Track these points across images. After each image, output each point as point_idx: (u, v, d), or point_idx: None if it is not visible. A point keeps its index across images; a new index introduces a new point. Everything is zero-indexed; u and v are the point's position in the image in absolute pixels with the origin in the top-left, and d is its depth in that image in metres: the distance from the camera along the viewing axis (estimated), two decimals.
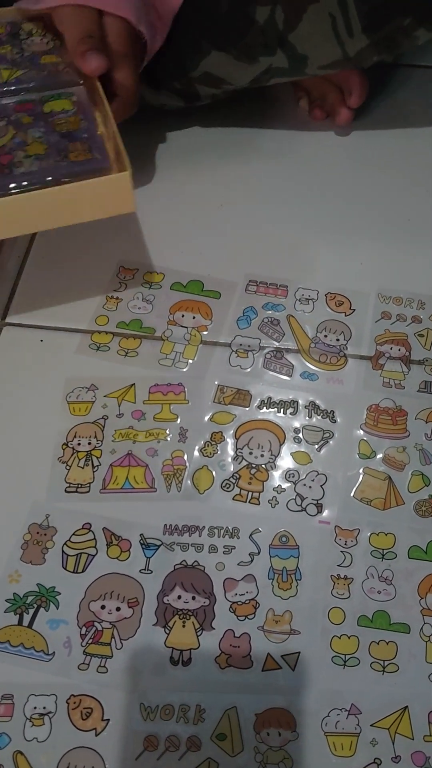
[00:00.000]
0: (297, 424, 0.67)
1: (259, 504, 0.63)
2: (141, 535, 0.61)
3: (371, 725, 0.53)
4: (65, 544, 0.60)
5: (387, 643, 0.56)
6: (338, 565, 0.60)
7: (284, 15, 0.73)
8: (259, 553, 0.60)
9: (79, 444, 0.65)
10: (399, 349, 0.72)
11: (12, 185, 0.61)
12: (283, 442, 0.66)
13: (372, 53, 0.75)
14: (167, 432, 0.66)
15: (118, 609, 0.57)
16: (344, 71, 0.84)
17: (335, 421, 0.67)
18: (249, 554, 0.60)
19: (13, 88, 0.70)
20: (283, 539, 0.61)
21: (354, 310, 0.75)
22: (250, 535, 0.61)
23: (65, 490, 0.63)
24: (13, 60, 0.72)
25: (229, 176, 0.86)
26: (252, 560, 0.60)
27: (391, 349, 0.72)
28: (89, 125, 0.67)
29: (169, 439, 0.66)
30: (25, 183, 0.61)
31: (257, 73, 0.80)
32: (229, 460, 0.65)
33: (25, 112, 0.68)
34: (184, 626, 0.57)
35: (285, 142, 0.90)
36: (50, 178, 0.62)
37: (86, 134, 0.66)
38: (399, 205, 0.84)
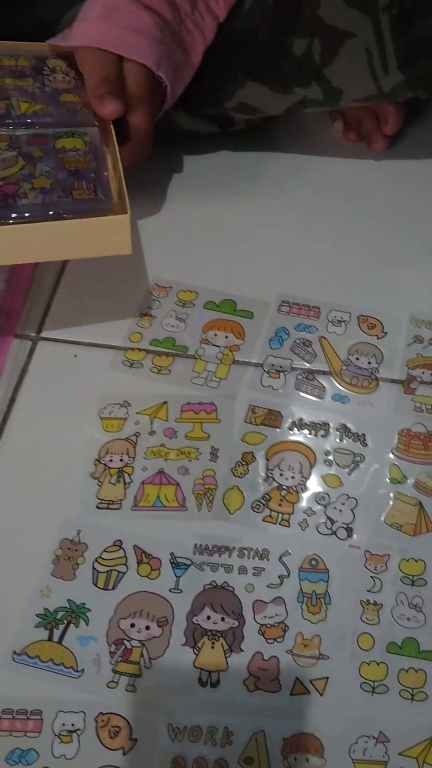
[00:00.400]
0: (328, 447, 0.67)
1: (289, 526, 0.63)
2: (171, 553, 0.61)
3: (399, 754, 0.53)
4: (96, 560, 0.60)
5: (416, 671, 0.56)
6: (368, 591, 0.60)
7: (321, 48, 0.74)
8: (288, 575, 0.60)
9: (111, 460, 0.65)
10: (431, 374, 0.72)
11: (14, 215, 0.62)
12: (314, 465, 0.66)
13: (406, 89, 0.75)
14: (199, 451, 0.67)
15: (147, 628, 0.57)
16: None
17: (366, 445, 0.68)
18: (278, 576, 0.60)
19: (29, 120, 0.72)
20: (313, 562, 0.61)
21: (386, 333, 0.75)
22: (280, 557, 0.61)
23: (97, 507, 0.63)
24: (34, 94, 0.74)
25: (263, 197, 0.87)
26: (281, 583, 0.60)
27: (423, 373, 0.72)
28: (98, 166, 0.69)
29: (200, 458, 0.66)
30: (27, 214, 0.63)
31: (291, 104, 0.80)
32: (260, 480, 0.65)
33: (38, 145, 0.70)
34: (213, 647, 0.57)
35: (318, 163, 0.91)
36: (51, 213, 0.64)
37: (93, 174, 0.68)
38: None
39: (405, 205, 0.87)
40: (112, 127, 0.71)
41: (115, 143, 0.69)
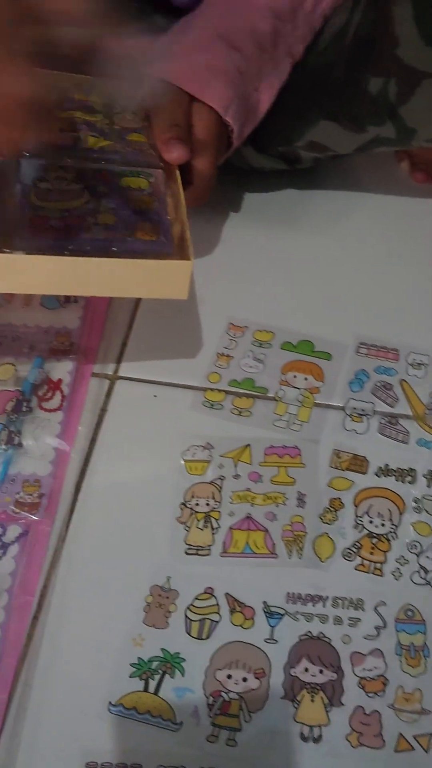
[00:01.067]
0: (416, 494, 0.66)
1: (382, 575, 0.62)
2: (264, 602, 0.60)
3: None
4: (188, 608, 0.59)
5: None
6: None
7: (397, 88, 0.73)
8: (385, 626, 0.59)
9: (197, 504, 0.64)
10: None
11: (71, 247, 0.62)
12: (403, 512, 0.65)
13: None
14: (285, 496, 0.66)
15: (244, 679, 0.56)
16: None
17: None
18: (375, 627, 0.59)
19: (95, 155, 0.71)
20: (409, 613, 0.59)
21: None
22: (375, 607, 0.60)
23: (185, 552, 0.62)
24: (102, 130, 0.73)
25: (333, 235, 0.86)
26: (378, 634, 0.59)
27: None
28: (160, 208, 0.68)
29: (287, 503, 0.65)
30: (88, 248, 0.62)
31: (363, 142, 0.80)
32: (350, 527, 0.64)
33: (103, 181, 0.69)
34: (312, 700, 0.55)
35: (389, 202, 0.90)
36: (115, 249, 0.63)
37: (156, 216, 0.67)
38: None
39: None
40: (177, 171, 0.70)
41: (180, 187, 0.69)
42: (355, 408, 0.72)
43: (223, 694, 0.56)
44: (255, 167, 0.88)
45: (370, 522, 0.64)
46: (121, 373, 0.74)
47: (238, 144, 0.77)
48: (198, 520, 0.64)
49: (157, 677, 0.56)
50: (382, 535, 0.64)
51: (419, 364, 0.75)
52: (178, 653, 0.57)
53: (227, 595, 0.60)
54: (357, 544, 0.63)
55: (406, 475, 0.67)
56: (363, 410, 0.71)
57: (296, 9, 0.75)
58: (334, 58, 0.76)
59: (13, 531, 0.62)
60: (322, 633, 0.59)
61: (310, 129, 0.81)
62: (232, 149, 0.78)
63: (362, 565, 0.62)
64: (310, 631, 0.59)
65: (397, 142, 0.80)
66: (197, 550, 0.62)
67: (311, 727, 0.55)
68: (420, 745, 0.55)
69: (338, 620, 0.59)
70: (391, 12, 0.72)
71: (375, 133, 0.79)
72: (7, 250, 0.59)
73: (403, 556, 0.63)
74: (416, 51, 0.72)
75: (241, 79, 0.74)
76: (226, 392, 0.73)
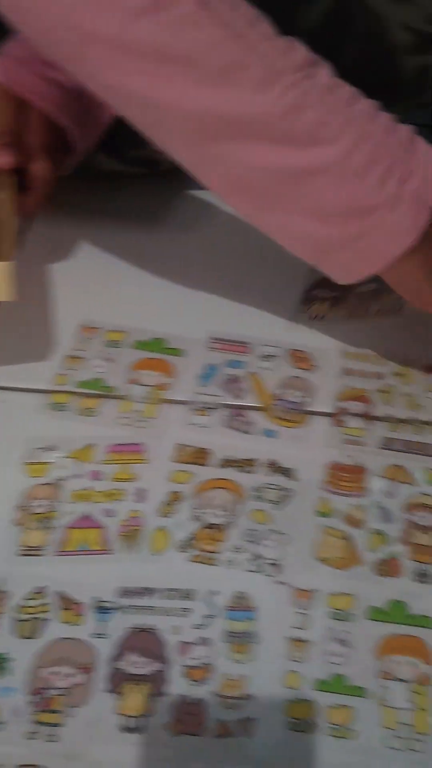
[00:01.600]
0: (256, 483, 0.67)
1: (216, 565, 0.62)
2: (96, 598, 0.59)
3: None
4: (18, 609, 0.59)
5: (346, 708, 0.55)
6: (295, 627, 0.59)
7: None
8: (214, 615, 0.59)
9: (35, 506, 0.64)
10: (360, 406, 0.72)
11: None
12: (242, 501, 0.65)
13: None
14: (125, 492, 0.66)
15: (70, 675, 0.56)
16: None
17: (295, 479, 0.67)
18: (204, 617, 0.59)
19: None
20: (240, 600, 0.60)
21: (316, 366, 0.75)
22: (206, 597, 0.60)
23: (19, 554, 0.62)
24: None
25: (188, 235, 0.87)
26: (207, 624, 0.59)
27: (353, 405, 0.72)
28: None
29: (127, 499, 0.65)
30: None
31: None
32: (187, 520, 0.64)
33: None
34: (136, 692, 0.55)
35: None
36: None
37: None
38: None
39: None
40: (7, 176, 0.70)
41: (8, 192, 0.69)
42: (201, 402, 0.72)
43: (47, 690, 0.55)
44: (111, 172, 0.88)
45: (208, 513, 0.65)
46: None
47: (83, 148, 0.77)
48: (34, 522, 0.64)
49: None
50: (218, 525, 0.64)
51: (269, 356, 0.76)
52: (5, 653, 0.57)
53: (58, 593, 0.60)
54: (193, 535, 0.63)
55: (247, 465, 0.68)
56: (209, 404, 0.72)
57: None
58: None
59: None
60: (151, 625, 0.58)
61: None
62: (78, 153, 0.78)
63: (197, 556, 0.63)
64: (139, 624, 0.59)
65: None
66: (31, 550, 0.62)
67: (133, 717, 0.54)
68: (242, 729, 0.54)
69: (168, 611, 0.59)
70: None
71: None
72: None
73: (237, 546, 0.63)
74: None
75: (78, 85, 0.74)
76: (74, 393, 0.73)
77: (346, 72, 0.62)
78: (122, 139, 0.82)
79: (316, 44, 0.63)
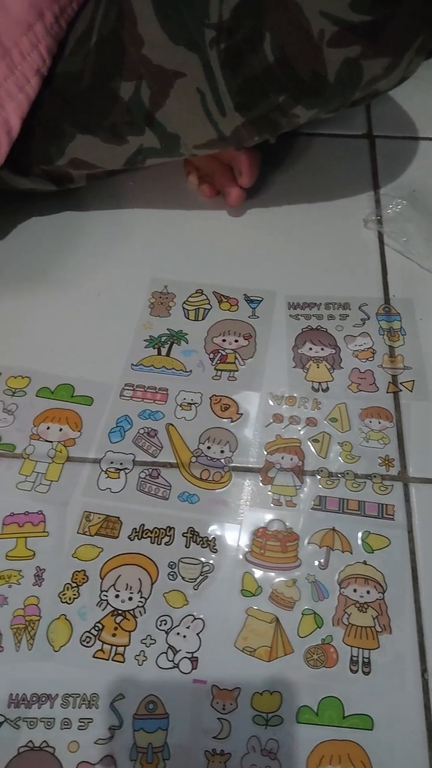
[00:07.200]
0: (172, 557, 0.58)
1: (123, 661, 0.54)
2: None
3: None
4: None
5: None
6: (214, 737, 0.51)
7: (150, 91, 0.66)
8: (121, 726, 0.51)
9: None
10: (291, 459, 0.64)
11: None
12: (156, 580, 0.57)
13: (251, 133, 0.68)
14: (21, 573, 0.57)
15: None
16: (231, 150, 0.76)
17: (216, 551, 0.59)
18: (109, 729, 0.51)
19: None
20: (150, 706, 0.52)
21: (241, 414, 0.66)
22: (112, 702, 0.52)
23: None
24: None
25: (109, 263, 0.78)
26: (112, 736, 0.51)
27: (283, 458, 0.64)
28: None
29: (22, 582, 0.57)
30: None
31: (129, 155, 0.73)
32: (92, 606, 0.56)
33: None
34: None
35: (172, 220, 0.82)
36: None
37: None
38: (303, 282, 0.76)
39: (268, 261, 0.79)
40: None
41: None
42: (112, 462, 0.64)
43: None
44: (23, 190, 0.78)
45: (116, 596, 0.57)
46: None
47: None
48: None
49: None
50: (128, 611, 0.56)
51: (189, 403, 0.67)
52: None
53: None
54: (98, 625, 0.55)
55: (163, 535, 0.60)
56: (121, 464, 0.63)
57: (32, 24, 0.67)
58: (80, 64, 0.68)
59: None
60: (45, 742, 0.50)
61: (67, 145, 0.73)
62: None
63: (102, 651, 0.54)
64: (31, 741, 0.50)
65: (164, 151, 0.72)
66: None
67: None
68: None
69: (67, 723, 0.51)
70: (131, 8, 0.65)
71: (138, 144, 0.72)
72: None
73: (150, 635, 0.55)
74: (162, 49, 0.65)
75: None
76: None
77: (275, 63, 0.62)
78: (26, 155, 0.74)
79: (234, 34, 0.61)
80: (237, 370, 0.70)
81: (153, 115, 0.68)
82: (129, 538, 0.60)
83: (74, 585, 0.57)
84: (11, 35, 0.65)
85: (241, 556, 0.59)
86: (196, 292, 0.76)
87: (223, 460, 0.64)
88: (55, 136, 0.72)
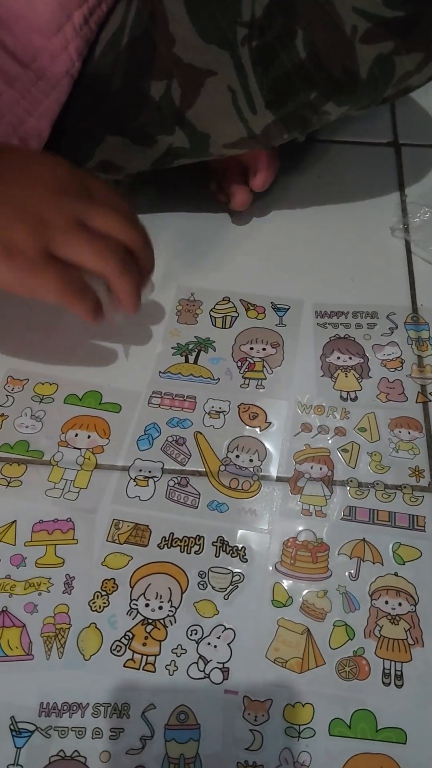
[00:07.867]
0: (202, 566, 0.58)
1: (154, 671, 0.53)
2: (11, 718, 0.51)
3: None
4: None
5: None
6: (246, 749, 0.50)
7: (181, 90, 0.66)
8: (152, 736, 0.50)
9: None
10: (320, 468, 0.63)
11: None
12: (186, 590, 0.57)
13: (281, 131, 0.68)
14: (50, 581, 0.57)
15: None
16: (253, 151, 0.76)
17: (245, 560, 0.58)
18: (140, 738, 0.50)
19: None
20: (182, 717, 0.51)
21: (270, 423, 0.66)
22: (143, 712, 0.51)
23: None
24: None
25: None
26: (143, 746, 0.50)
27: (312, 468, 0.63)
28: None
29: (52, 590, 0.56)
30: None
31: (158, 156, 0.72)
32: (122, 615, 0.55)
33: None
34: None
35: (198, 228, 0.82)
36: None
37: None
38: (330, 290, 0.77)
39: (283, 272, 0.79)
40: None
41: None
42: (141, 470, 0.63)
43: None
44: None
45: (146, 605, 0.56)
46: None
47: None
48: None
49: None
50: (158, 620, 0.55)
51: (218, 411, 0.67)
52: None
53: None
54: (129, 634, 0.55)
55: (192, 544, 0.59)
56: (150, 472, 0.63)
57: (62, 26, 0.67)
58: (111, 65, 0.68)
59: None
60: (77, 752, 0.50)
61: (97, 147, 0.73)
62: None
63: (132, 660, 0.54)
64: (63, 750, 0.50)
65: (193, 151, 0.72)
66: None
67: None
68: None
69: (98, 733, 0.51)
70: (164, 8, 0.65)
71: (167, 144, 0.72)
72: None
73: (180, 645, 0.54)
74: (194, 47, 0.65)
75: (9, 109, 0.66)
76: None
77: (307, 60, 0.62)
78: None
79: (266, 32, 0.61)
80: (265, 379, 0.69)
81: (183, 114, 0.68)
82: (158, 546, 0.59)
83: (104, 593, 0.56)
84: (40, 38, 0.65)
85: (271, 566, 0.58)
86: (223, 300, 0.75)
87: (252, 469, 0.63)
88: (85, 139, 0.72)
